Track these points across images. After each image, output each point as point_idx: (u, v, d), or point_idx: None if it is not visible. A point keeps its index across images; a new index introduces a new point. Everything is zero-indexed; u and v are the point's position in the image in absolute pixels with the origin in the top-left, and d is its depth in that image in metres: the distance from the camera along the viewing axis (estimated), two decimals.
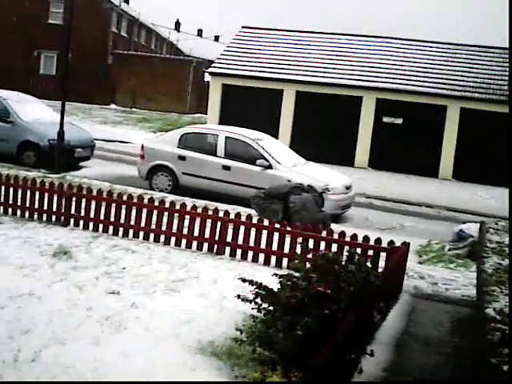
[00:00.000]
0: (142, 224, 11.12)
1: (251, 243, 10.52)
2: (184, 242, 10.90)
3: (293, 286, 6.41)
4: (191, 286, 8.77)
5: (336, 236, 10.10)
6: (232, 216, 10.84)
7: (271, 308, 6.46)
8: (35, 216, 11.87)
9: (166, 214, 11.06)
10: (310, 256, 8.35)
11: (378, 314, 7.48)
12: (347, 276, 6.56)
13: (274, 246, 10.39)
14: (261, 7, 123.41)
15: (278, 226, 10.59)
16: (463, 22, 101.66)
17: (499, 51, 28.93)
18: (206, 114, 31.10)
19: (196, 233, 10.82)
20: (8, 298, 7.63)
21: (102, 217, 11.33)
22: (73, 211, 11.56)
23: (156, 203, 11.28)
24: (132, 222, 11.19)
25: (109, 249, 10.28)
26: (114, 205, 11.33)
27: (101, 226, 11.37)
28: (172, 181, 16.54)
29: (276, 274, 6.74)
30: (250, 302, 6.55)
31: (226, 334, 7.11)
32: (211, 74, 30.00)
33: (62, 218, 11.60)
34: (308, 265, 7.05)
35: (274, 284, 6.68)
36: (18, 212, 11.98)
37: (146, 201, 11.36)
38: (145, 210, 11.17)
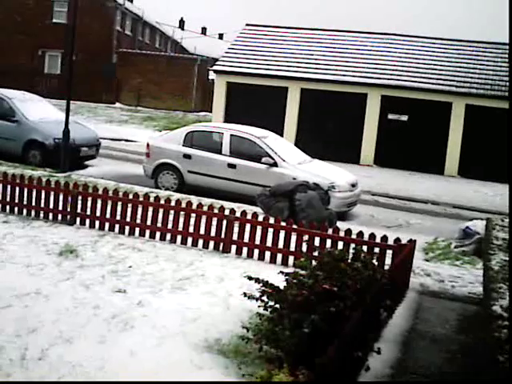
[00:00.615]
0: (148, 222, 11.13)
1: (257, 241, 10.51)
2: (190, 240, 10.90)
3: (299, 283, 6.41)
4: (197, 284, 8.78)
5: (342, 234, 10.09)
6: (238, 214, 10.83)
7: (277, 306, 6.46)
8: (41, 215, 11.89)
9: (172, 212, 11.06)
10: (316, 254, 8.37)
11: (385, 311, 7.48)
12: (353, 274, 6.56)
13: (280, 244, 10.38)
14: (265, 4, 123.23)
15: (283, 224, 10.58)
16: (466, 18, 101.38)
17: (505, 47, 28.82)
18: (211, 112, 31.09)
19: (202, 231, 10.82)
20: (15, 297, 7.65)
21: (108, 215, 11.34)
22: (79, 210, 11.57)
23: (162, 201, 11.28)
24: (138, 221, 11.20)
25: (115, 247, 10.30)
26: (120, 203, 11.34)
27: (107, 225, 11.38)
28: (177, 179, 16.54)
29: (282, 272, 6.75)
30: (257, 299, 6.56)
31: (232, 331, 7.12)
32: (216, 72, 29.99)
33: (68, 216, 11.60)
34: (314, 263, 7.04)
35: (281, 282, 6.69)
36: (24, 211, 11.99)
37: (151, 199, 11.36)
38: (151, 209, 11.18)
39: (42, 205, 11.87)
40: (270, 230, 10.51)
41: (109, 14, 44.80)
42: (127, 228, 11.26)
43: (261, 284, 6.57)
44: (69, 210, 11.60)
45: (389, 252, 9.54)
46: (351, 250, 7.85)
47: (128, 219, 11.25)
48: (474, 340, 7.59)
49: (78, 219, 11.59)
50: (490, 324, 4.63)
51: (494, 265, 6.23)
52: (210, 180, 16.19)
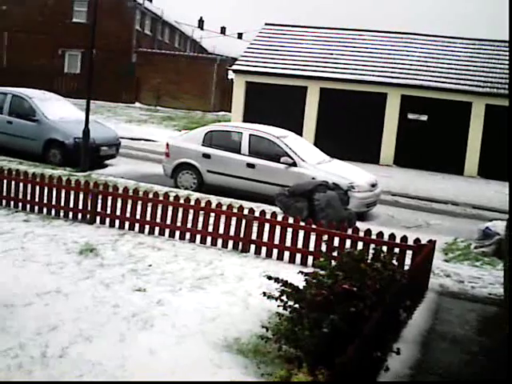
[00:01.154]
0: (168, 221, 11.17)
1: (276, 241, 10.52)
2: (209, 239, 10.93)
3: (318, 283, 6.41)
4: (217, 284, 8.80)
5: (361, 234, 10.07)
6: (257, 214, 10.84)
7: (297, 306, 6.46)
8: (61, 214, 11.96)
9: (191, 211, 11.09)
10: (335, 254, 8.36)
11: (404, 312, 7.44)
12: (373, 274, 6.54)
13: (299, 244, 10.38)
14: (284, 3, 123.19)
15: (303, 223, 10.58)
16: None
17: None
18: (230, 111, 31.10)
19: (221, 230, 10.85)
20: (35, 295, 7.71)
21: (128, 214, 11.40)
22: (99, 209, 11.62)
23: (181, 201, 11.31)
24: (158, 220, 11.24)
25: (135, 246, 10.35)
26: (139, 202, 11.39)
27: (127, 224, 11.43)
28: (197, 179, 16.57)
29: (302, 272, 6.74)
30: (276, 299, 6.56)
31: (251, 331, 7.13)
32: (235, 71, 30.00)
33: (88, 215, 11.67)
34: (333, 263, 7.03)
35: (300, 282, 6.68)
36: (45, 210, 12.08)
37: (171, 199, 11.39)
38: (170, 208, 11.21)
39: (62, 204, 11.94)
40: (289, 230, 10.51)
41: (128, 14, 44.99)
42: (147, 227, 11.31)
43: (280, 284, 6.57)
44: (89, 208, 11.66)
45: (408, 252, 9.52)
46: (371, 251, 7.84)
47: (148, 218, 11.29)
48: (494, 341, 7.55)
49: (98, 218, 11.65)
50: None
51: None
52: (228, 179, 16.20)
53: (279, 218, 10.71)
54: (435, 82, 26.81)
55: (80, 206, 11.78)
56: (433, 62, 28.02)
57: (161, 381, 5.93)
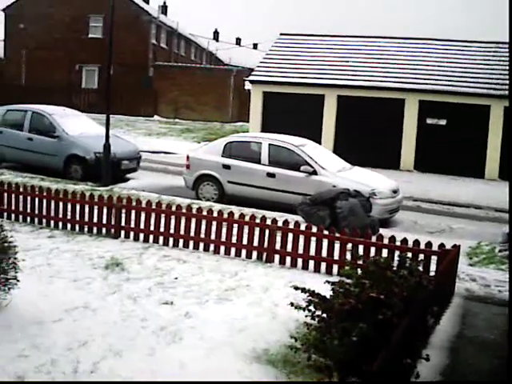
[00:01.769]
0: (192, 233, 11.22)
1: (300, 250, 10.53)
2: (233, 250, 10.97)
3: (346, 292, 6.41)
4: (243, 295, 8.83)
5: (386, 241, 10.06)
6: (280, 223, 10.86)
7: (325, 315, 6.47)
8: (85, 229, 12.04)
9: (214, 223, 11.13)
10: (360, 262, 8.37)
11: (432, 317, 7.43)
12: (400, 281, 6.54)
13: (324, 253, 10.38)
14: (298, 13, 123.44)
15: (326, 232, 10.58)
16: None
17: None
18: (248, 122, 31.17)
19: (245, 241, 10.88)
20: (64, 311, 7.77)
21: (152, 227, 11.46)
22: (123, 223, 11.70)
23: (204, 212, 11.36)
24: (182, 232, 11.29)
25: (160, 259, 10.40)
26: (163, 215, 11.44)
27: (151, 237, 11.49)
28: (218, 190, 16.63)
29: (328, 282, 6.74)
30: (304, 309, 6.57)
31: (280, 341, 7.15)
32: (252, 82, 30.09)
33: (113, 230, 11.74)
34: (359, 271, 7.03)
35: (325, 291, 6.69)
36: (69, 225, 12.17)
37: (194, 211, 11.44)
38: (194, 220, 11.26)
39: (86, 219, 12.03)
40: (313, 239, 10.51)
41: (144, 28, 45.37)
42: (171, 240, 11.36)
43: (307, 293, 6.58)
44: (113, 223, 11.74)
45: (433, 258, 9.49)
46: (396, 257, 7.83)
47: (172, 231, 11.35)
48: None
49: (123, 232, 11.72)
50: None
51: None
52: (249, 190, 16.24)
53: (302, 228, 10.72)
54: (452, 86, 26.72)
55: (104, 221, 11.86)
56: (449, 67, 27.92)
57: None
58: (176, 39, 53.00)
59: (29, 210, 12.55)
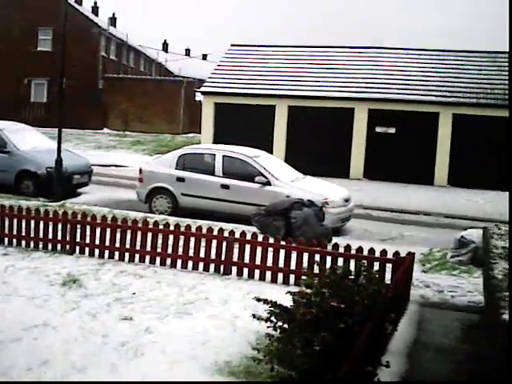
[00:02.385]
0: (148, 248, 11.19)
1: (257, 261, 10.60)
2: (190, 263, 10.97)
3: (307, 302, 6.51)
4: (202, 308, 8.85)
5: (342, 250, 10.20)
6: (237, 235, 10.92)
7: (286, 326, 6.55)
8: (40, 245, 11.90)
9: (171, 236, 11.12)
10: (316, 271, 8.50)
11: (390, 324, 7.57)
12: (359, 289, 6.66)
13: (281, 263, 10.47)
14: (248, 24, 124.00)
15: (283, 243, 10.68)
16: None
17: (488, 55, 29.23)
18: (200, 133, 31.22)
19: (202, 254, 10.89)
20: (23, 330, 7.70)
21: (107, 243, 11.40)
22: (78, 239, 11.61)
23: (161, 226, 11.35)
24: (137, 247, 11.26)
25: (117, 275, 10.36)
26: (118, 230, 11.39)
27: (106, 253, 11.42)
28: (171, 203, 16.62)
29: (290, 292, 6.82)
30: (266, 320, 6.63)
31: (241, 353, 7.21)
32: (203, 93, 30.16)
33: (68, 246, 11.65)
34: (316, 280, 7.13)
35: (284, 301, 6.76)
36: (23, 242, 12.01)
37: (150, 225, 11.42)
38: (150, 234, 11.24)
39: (41, 235, 11.90)
40: (270, 250, 10.59)
41: (94, 40, 45.07)
42: (127, 255, 11.31)
43: (269, 305, 6.65)
44: (68, 239, 11.64)
45: (388, 265, 9.66)
46: (352, 266, 7.97)
47: (127, 246, 11.30)
48: (478, 349, 7.69)
49: (78, 248, 11.62)
50: (501, 332, 4.73)
51: (497, 274, 6.36)
52: (204, 202, 16.27)
53: (259, 239, 10.80)
54: (401, 94, 27.19)
55: (59, 237, 11.75)
56: (398, 75, 28.42)
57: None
58: (125, 51, 52.77)
59: None
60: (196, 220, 14.52)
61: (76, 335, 7.60)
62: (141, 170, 17.32)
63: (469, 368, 7.11)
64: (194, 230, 11.17)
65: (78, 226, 11.65)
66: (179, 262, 11.01)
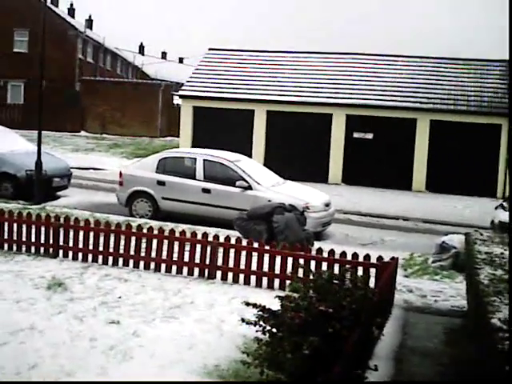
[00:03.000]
0: (132, 252, 11.18)
1: (242, 266, 10.63)
2: (175, 268, 10.97)
3: (295, 306, 6.56)
4: (188, 312, 8.87)
5: (325, 254, 10.27)
6: (221, 239, 10.95)
7: (275, 330, 6.59)
8: (23, 249, 11.83)
9: (155, 240, 11.11)
10: (300, 275, 8.58)
11: (377, 329, 7.66)
12: (346, 294, 6.73)
13: (265, 268, 10.52)
14: (224, 27, 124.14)
15: (267, 247, 10.73)
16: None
17: (466, 62, 29.55)
18: (178, 136, 31.23)
19: (186, 258, 10.90)
20: (9, 334, 7.66)
21: (90, 247, 11.37)
22: (61, 242, 11.57)
23: (145, 230, 11.35)
24: (121, 251, 11.24)
25: (101, 278, 10.34)
26: (102, 234, 11.36)
27: (90, 256, 11.39)
28: (152, 206, 16.61)
29: (279, 297, 6.86)
30: (254, 324, 6.67)
31: (229, 357, 7.25)
32: (181, 96, 30.17)
33: (51, 249, 11.59)
34: (302, 285, 7.19)
35: (270, 305, 6.79)
36: (6, 246, 11.94)
37: (133, 229, 11.40)
38: (133, 238, 11.23)
39: (24, 238, 11.83)
40: (255, 254, 10.63)
41: (70, 42, 44.83)
42: (110, 258, 11.29)
43: (258, 309, 6.69)
44: (51, 242, 11.59)
45: (372, 270, 9.75)
46: (336, 270, 8.05)
47: (111, 250, 11.29)
48: (462, 352, 7.80)
49: (61, 251, 11.58)
50: (490, 336, 4.82)
51: (483, 279, 6.46)
52: (184, 206, 16.28)
53: (244, 243, 10.84)
54: (379, 100, 27.42)
55: (42, 240, 11.69)
56: (376, 81, 28.64)
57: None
58: (102, 53, 52.56)
59: None
60: (178, 224, 14.53)
61: (64, 339, 7.58)
62: (121, 174, 17.28)
63: (453, 370, 7.23)
64: (177, 234, 11.18)
65: (61, 230, 11.59)
66: (163, 266, 11.02)
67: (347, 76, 29.25)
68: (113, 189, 17.80)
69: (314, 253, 10.46)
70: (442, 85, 28.03)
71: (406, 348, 7.94)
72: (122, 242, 11.25)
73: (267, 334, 6.62)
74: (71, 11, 55.17)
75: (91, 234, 11.41)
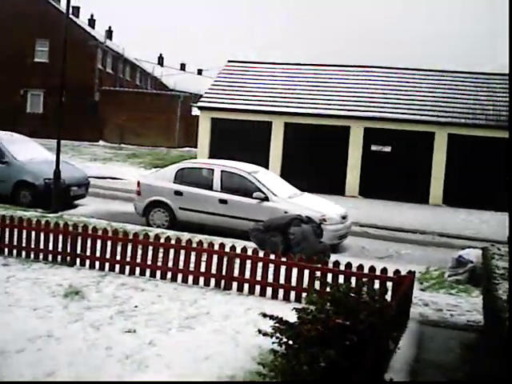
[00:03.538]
0: (149, 261, 11.22)
1: (258, 277, 10.64)
2: (191, 278, 10.99)
3: (312, 319, 6.56)
4: (204, 323, 8.89)
5: (342, 267, 10.26)
6: (238, 250, 10.96)
7: (291, 342, 6.59)
8: (41, 256, 11.91)
9: (172, 250, 11.14)
10: (317, 288, 8.56)
11: (393, 342, 7.64)
12: (363, 307, 6.73)
13: (281, 280, 10.51)
14: (242, 40, 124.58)
15: (284, 259, 10.72)
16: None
17: (483, 76, 29.50)
18: (195, 147, 31.30)
19: (203, 268, 10.93)
20: (27, 340, 7.72)
21: (108, 255, 11.42)
22: (78, 251, 11.63)
23: (162, 240, 11.38)
24: (138, 260, 11.29)
25: (118, 287, 10.38)
26: (119, 243, 11.42)
27: (107, 265, 11.45)
28: (169, 216, 16.67)
29: (296, 309, 6.87)
30: (271, 336, 6.68)
31: (244, 368, 7.25)
32: (200, 108, 30.27)
33: (68, 257, 11.66)
34: (319, 297, 7.19)
35: (286, 317, 6.79)
36: (23, 253, 12.03)
37: (151, 239, 11.45)
38: (151, 248, 11.27)
39: (41, 246, 11.91)
40: (271, 266, 10.63)
41: (90, 53, 45.16)
42: (127, 268, 11.33)
43: (275, 321, 6.70)
44: (69, 250, 11.66)
45: (388, 284, 9.72)
46: (353, 284, 8.04)
47: (128, 259, 11.33)
48: (477, 368, 7.75)
49: (78, 260, 11.65)
50: (507, 352, 4.80)
51: (501, 294, 6.43)
52: (201, 216, 16.33)
53: (260, 254, 10.85)
54: (397, 113, 27.37)
55: (59, 249, 11.77)
56: (394, 94, 28.62)
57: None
58: (122, 64, 52.92)
59: None
60: (194, 234, 14.56)
61: (80, 347, 7.62)
62: (139, 183, 17.38)
63: None
64: (194, 244, 11.21)
65: (79, 238, 11.66)
66: (180, 276, 11.04)
67: (365, 89, 29.25)
68: (130, 198, 17.88)
69: (330, 265, 10.45)
70: (460, 98, 27.97)
71: (422, 362, 7.91)
72: (139, 252, 11.29)
73: (283, 346, 6.63)
74: (91, 22, 55.60)
75: (108, 242, 11.46)
